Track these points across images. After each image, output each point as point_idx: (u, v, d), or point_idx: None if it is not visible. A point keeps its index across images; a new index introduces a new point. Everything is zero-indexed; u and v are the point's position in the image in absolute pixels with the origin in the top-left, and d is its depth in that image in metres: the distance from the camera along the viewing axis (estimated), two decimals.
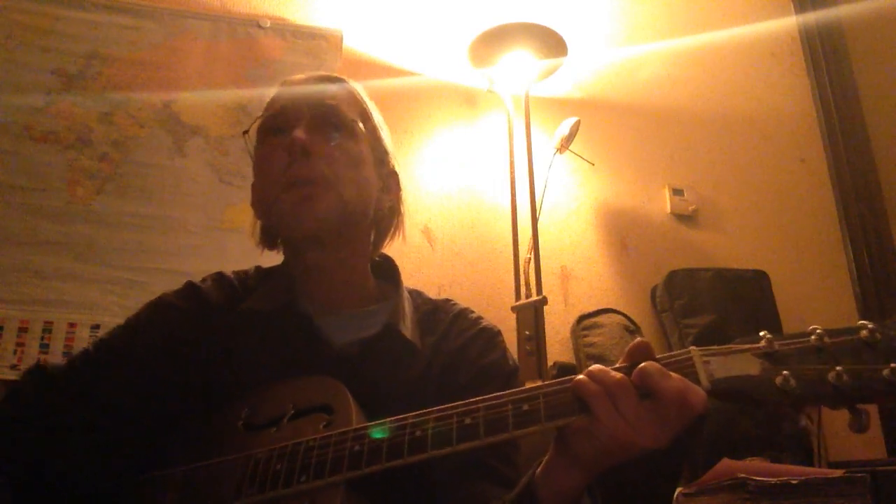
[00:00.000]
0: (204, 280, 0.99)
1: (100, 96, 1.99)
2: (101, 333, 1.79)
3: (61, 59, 1.99)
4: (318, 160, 0.88)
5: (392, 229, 1.01)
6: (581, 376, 0.64)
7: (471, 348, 0.92)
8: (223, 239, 1.95)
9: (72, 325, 1.80)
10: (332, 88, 0.95)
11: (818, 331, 0.59)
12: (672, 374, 0.61)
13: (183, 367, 0.88)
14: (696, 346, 0.66)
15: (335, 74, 0.99)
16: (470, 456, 0.79)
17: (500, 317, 2.03)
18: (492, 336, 0.95)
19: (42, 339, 1.77)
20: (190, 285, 0.97)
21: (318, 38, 2.22)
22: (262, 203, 0.93)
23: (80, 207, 1.89)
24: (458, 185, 2.26)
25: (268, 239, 1.01)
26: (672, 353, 0.65)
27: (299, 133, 0.88)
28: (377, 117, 0.99)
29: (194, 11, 2.16)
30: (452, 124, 2.33)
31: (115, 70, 2.02)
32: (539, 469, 0.70)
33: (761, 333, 0.61)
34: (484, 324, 0.97)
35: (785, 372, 0.58)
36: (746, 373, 0.60)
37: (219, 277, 0.99)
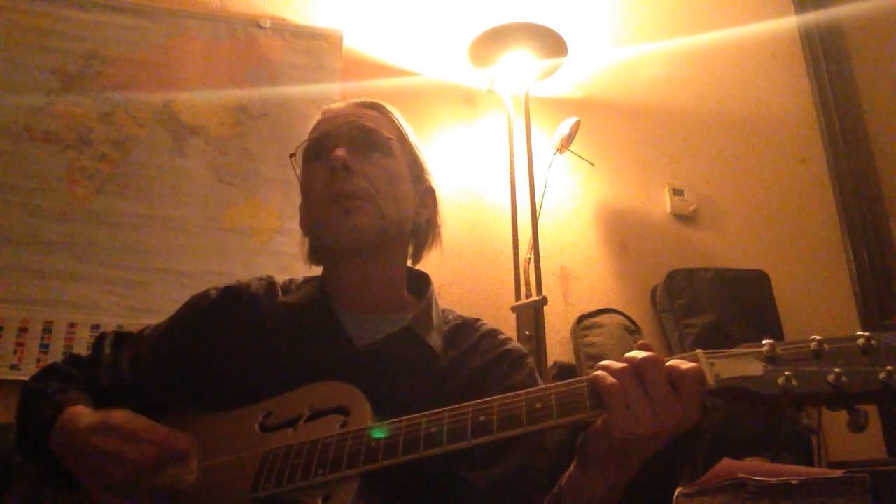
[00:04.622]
0: (251, 280, 1.04)
1: (100, 96, 1.99)
2: (100, 333, 1.79)
3: (61, 59, 1.99)
4: (358, 176, 0.93)
5: (430, 241, 1.06)
6: (599, 371, 0.67)
7: (497, 367, 0.93)
8: (223, 239, 1.94)
9: (72, 325, 1.80)
10: (369, 113, 1.02)
11: (817, 338, 0.62)
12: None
13: (207, 352, 0.94)
14: (697, 345, 0.71)
15: (373, 101, 1.05)
16: (503, 479, 0.81)
17: (500, 317, 2.03)
18: (519, 356, 0.96)
19: (42, 339, 1.77)
20: (235, 283, 1.03)
21: (318, 38, 2.22)
22: (309, 220, 0.99)
23: (80, 207, 1.89)
24: (458, 185, 2.26)
25: (315, 255, 1.05)
26: (679, 356, 0.67)
27: (340, 151, 0.93)
28: (413, 138, 1.06)
29: (194, 11, 2.16)
30: (452, 124, 2.33)
31: (115, 70, 2.02)
32: (564, 479, 0.72)
33: (764, 340, 0.65)
34: (511, 345, 0.97)
35: (787, 372, 0.61)
36: (750, 373, 0.63)
37: (266, 278, 1.05)
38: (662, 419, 0.63)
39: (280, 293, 1.00)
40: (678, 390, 0.63)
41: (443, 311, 1.02)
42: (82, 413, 0.83)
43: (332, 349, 0.90)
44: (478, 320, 1.02)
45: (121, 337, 1.02)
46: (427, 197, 1.04)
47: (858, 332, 0.62)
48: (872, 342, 0.60)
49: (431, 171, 1.07)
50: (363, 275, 0.96)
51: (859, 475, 1.30)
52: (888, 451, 2.25)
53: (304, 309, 0.94)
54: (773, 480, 1.29)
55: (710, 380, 0.64)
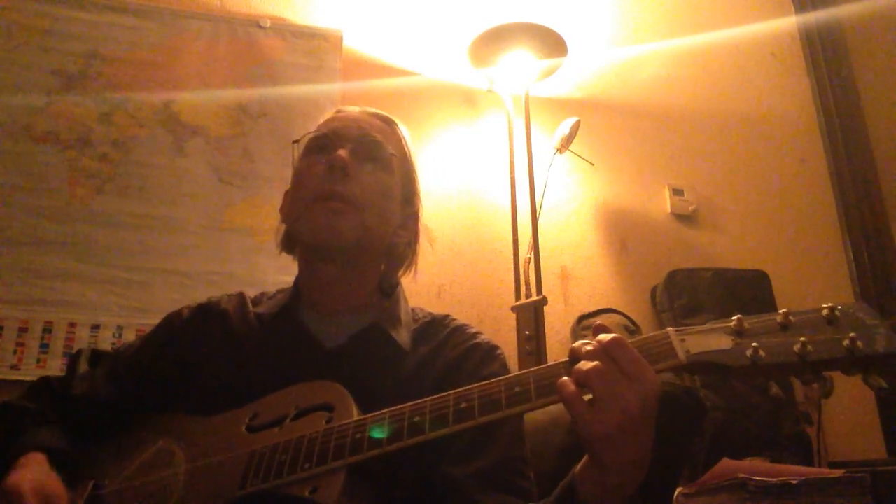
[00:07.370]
0: (222, 297, 1.06)
1: (100, 96, 1.99)
2: (100, 333, 1.80)
3: (61, 59, 1.99)
4: (353, 182, 0.94)
5: (406, 265, 1.07)
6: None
7: (468, 361, 0.94)
8: (223, 239, 1.94)
9: (72, 325, 1.80)
10: (380, 125, 1.04)
11: (783, 311, 0.65)
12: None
13: (184, 366, 0.95)
14: None
15: (388, 116, 1.07)
16: (486, 471, 0.82)
17: (500, 317, 2.03)
18: (489, 349, 0.97)
19: (42, 339, 1.77)
20: (206, 301, 1.05)
21: (318, 38, 2.22)
22: (293, 209, 0.99)
23: (80, 207, 1.89)
24: (458, 185, 2.26)
25: (288, 244, 1.05)
26: (650, 334, 0.69)
27: (343, 153, 0.95)
28: (415, 162, 1.08)
29: (194, 11, 2.16)
30: (452, 124, 2.33)
31: (115, 70, 2.02)
32: (577, 467, 0.71)
33: (733, 316, 0.67)
34: (481, 338, 0.99)
35: (755, 344, 0.63)
36: (719, 347, 0.65)
37: (237, 293, 1.06)
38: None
39: (251, 306, 1.02)
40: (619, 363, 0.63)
41: (412, 309, 1.04)
42: (17, 466, 0.82)
43: (301, 354, 0.92)
44: (447, 316, 1.03)
45: (96, 354, 1.05)
46: (410, 221, 1.06)
47: (823, 305, 0.64)
48: (836, 312, 0.63)
49: (422, 198, 1.09)
50: (335, 278, 0.97)
51: (859, 475, 1.30)
52: (888, 451, 2.25)
53: (273, 317, 0.97)
54: (773, 480, 1.29)
55: (681, 355, 0.65)
